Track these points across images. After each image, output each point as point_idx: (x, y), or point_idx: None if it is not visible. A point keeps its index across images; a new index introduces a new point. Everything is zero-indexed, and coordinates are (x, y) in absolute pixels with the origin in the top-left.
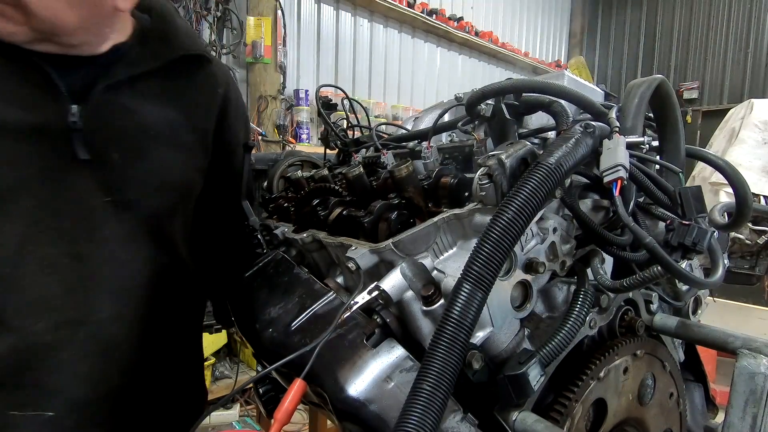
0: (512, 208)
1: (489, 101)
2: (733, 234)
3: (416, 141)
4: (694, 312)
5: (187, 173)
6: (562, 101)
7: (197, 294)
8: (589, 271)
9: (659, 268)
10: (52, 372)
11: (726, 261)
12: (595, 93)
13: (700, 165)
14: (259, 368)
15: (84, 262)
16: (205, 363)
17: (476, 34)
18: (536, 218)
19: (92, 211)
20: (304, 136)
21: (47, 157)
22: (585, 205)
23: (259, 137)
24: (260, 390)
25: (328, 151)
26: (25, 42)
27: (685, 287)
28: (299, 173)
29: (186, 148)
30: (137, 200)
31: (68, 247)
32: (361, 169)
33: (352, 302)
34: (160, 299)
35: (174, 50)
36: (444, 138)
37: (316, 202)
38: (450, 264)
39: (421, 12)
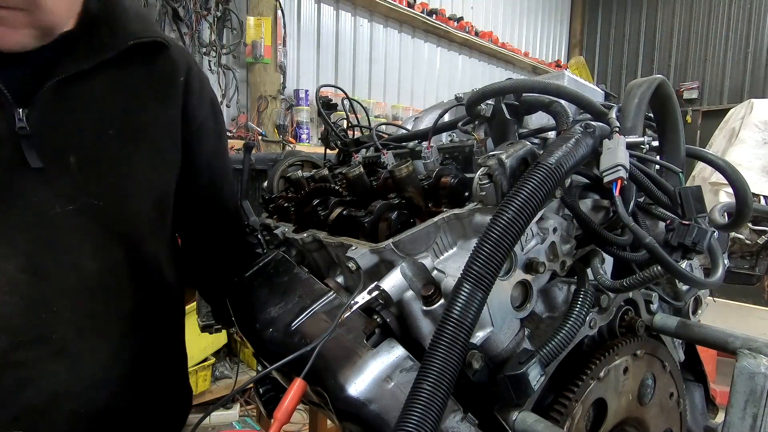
0: (512, 208)
1: (489, 101)
2: (733, 234)
3: (416, 141)
4: (694, 312)
5: (156, 172)
6: (562, 101)
7: (176, 298)
8: (589, 271)
9: (659, 268)
10: (21, 390)
11: (726, 261)
12: (595, 93)
13: (700, 165)
14: (259, 368)
15: (44, 277)
16: (205, 363)
17: (476, 34)
18: (536, 218)
19: (51, 222)
20: (304, 136)
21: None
22: (585, 205)
23: (259, 137)
24: (260, 390)
25: (328, 151)
26: (30, 47)
27: (685, 287)
28: (299, 173)
29: (151, 145)
30: (103, 206)
31: (26, 262)
32: (361, 169)
33: (352, 302)
34: (135, 309)
35: (124, 38)
36: (444, 138)
37: (316, 202)
38: (450, 264)
39: (421, 12)
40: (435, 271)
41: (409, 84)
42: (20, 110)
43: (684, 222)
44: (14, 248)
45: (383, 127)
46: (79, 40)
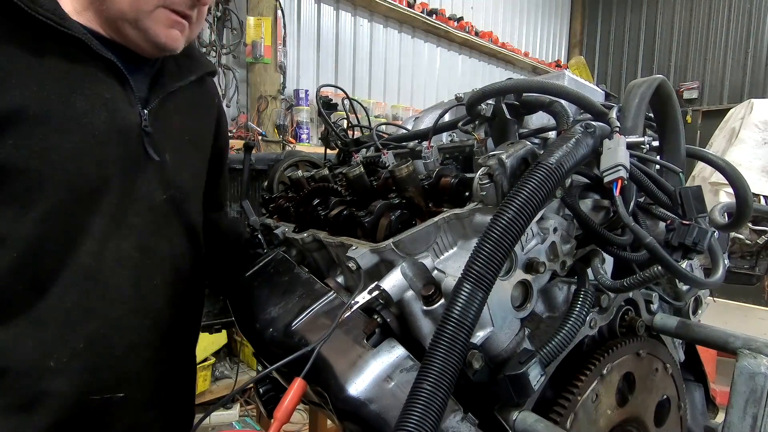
0: (513, 208)
1: (489, 101)
2: (733, 234)
3: (416, 141)
4: (695, 312)
5: (204, 175)
6: (563, 101)
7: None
8: (589, 271)
9: (659, 268)
10: (124, 355)
11: (726, 261)
12: (595, 93)
13: (700, 165)
14: (259, 368)
15: (149, 255)
16: (205, 363)
17: (476, 34)
18: (537, 218)
19: (156, 208)
20: (304, 136)
21: (125, 157)
22: (585, 205)
23: (259, 137)
24: (260, 390)
25: (328, 151)
26: (171, 53)
27: (685, 287)
28: (299, 173)
29: (204, 153)
30: (185, 198)
31: (137, 241)
32: (362, 169)
33: (353, 302)
34: (196, 291)
35: (200, 67)
36: (444, 138)
37: (316, 201)
38: (450, 264)
39: (421, 12)
40: (435, 271)
41: (409, 84)
42: (145, 111)
43: (684, 222)
44: (130, 229)
45: (383, 127)
46: (168, 64)
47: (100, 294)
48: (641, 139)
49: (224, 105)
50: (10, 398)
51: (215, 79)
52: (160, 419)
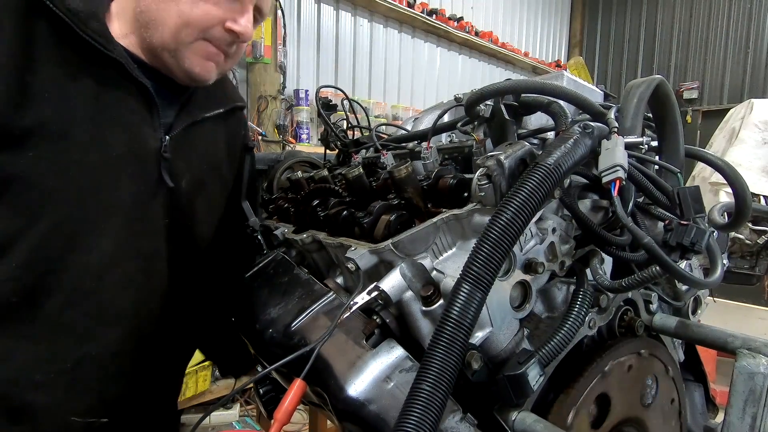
0: (511, 209)
1: (488, 102)
2: (733, 234)
3: (416, 141)
4: (694, 312)
5: (224, 205)
6: (561, 102)
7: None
8: (588, 271)
9: (658, 268)
10: (112, 382)
11: (725, 261)
12: (594, 93)
13: (700, 165)
14: (259, 368)
15: (152, 278)
16: (205, 363)
17: (476, 34)
18: (535, 218)
19: (160, 232)
20: (304, 136)
21: (139, 181)
22: (584, 205)
23: (259, 137)
24: (260, 390)
25: (328, 151)
26: (203, 84)
27: (684, 287)
28: (299, 174)
29: (224, 183)
30: (193, 225)
31: (143, 264)
32: (361, 170)
33: (352, 303)
34: (190, 320)
35: (230, 100)
36: (444, 138)
37: (316, 202)
38: (449, 264)
39: (421, 12)
40: (434, 272)
41: (409, 84)
42: (166, 137)
43: (682, 222)
44: (138, 252)
45: (383, 127)
46: (199, 94)
47: (98, 315)
48: (640, 139)
49: None
50: None
51: None
52: None
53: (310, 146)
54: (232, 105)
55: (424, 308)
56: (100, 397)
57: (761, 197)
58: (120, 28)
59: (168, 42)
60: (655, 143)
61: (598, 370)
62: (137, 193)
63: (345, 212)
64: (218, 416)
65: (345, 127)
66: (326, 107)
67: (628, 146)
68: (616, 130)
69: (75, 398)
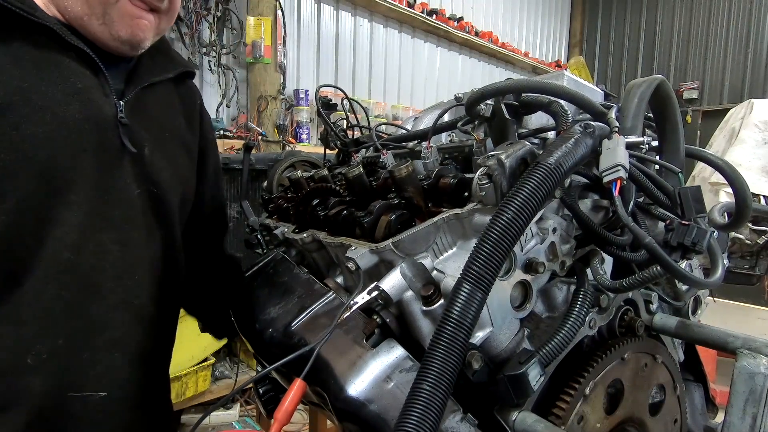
0: (512, 208)
1: (488, 101)
2: (733, 234)
3: (416, 141)
4: (694, 312)
5: (190, 171)
6: (562, 101)
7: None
8: (588, 271)
9: (659, 268)
10: (106, 352)
11: (726, 261)
12: (594, 93)
13: (700, 165)
14: (259, 368)
15: (129, 247)
16: (205, 363)
17: (476, 34)
18: (536, 218)
19: (132, 202)
20: (304, 136)
21: (100, 148)
22: (585, 205)
23: (259, 137)
24: (260, 390)
25: (328, 151)
26: (138, 48)
27: (684, 287)
28: (299, 173)
29: (188, 150)
30: (163, 194)
31: (117, 234)
32: (361, 169)
33: (352, 302)
34: (176, 288)
35: (177, 65)
36: (444, 138)
37: (315, 202)
38: (450, 264)
39: (421, 12)
40: (435, 271)
41: (409, 84)
42: (120, 102)
43: (683, 222)
44: (109, 222)
45: (383, 127)
46: (144, 60)
47: (79, 288)
48: (640, 139)
49: (224, 105)
50: None
51: (216, 78)
52: (143, 421)
53: (310, 146)
54: (181, 69)
55: (424, 308)
56: (95, 371)
57: (761, 197)
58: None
59: (94, 3)
60: (655, 143)
61: (618, 355)
62: (101, 162)
63: (345, 212)
64: (218, 416)
65: (345, 126)
66: (326, 106)
67: (629, 146)
68: (617, 129)
69: (71, 375)
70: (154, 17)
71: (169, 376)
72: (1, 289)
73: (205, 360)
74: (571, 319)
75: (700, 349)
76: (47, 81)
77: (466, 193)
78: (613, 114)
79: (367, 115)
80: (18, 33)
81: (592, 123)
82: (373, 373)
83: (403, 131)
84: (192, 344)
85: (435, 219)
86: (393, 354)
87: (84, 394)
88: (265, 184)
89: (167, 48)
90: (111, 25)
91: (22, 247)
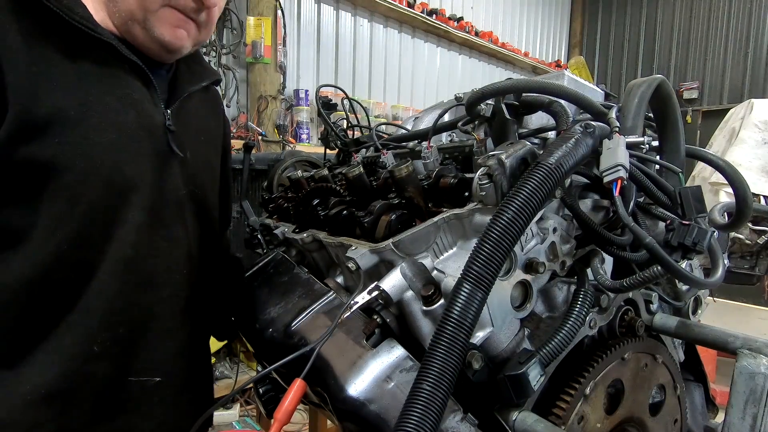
0: (512, 208)
1: (489, 101)
2: (733, 234)
3: (416, 141)
4: (694, 312)
5: (220, 172)
6: (562, 101)
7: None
8: (589, 271)
9: (659, 268)
10: (160, 340)
11: (726, 261)
12: (595, 93)
13: (700, 165)
14: (259, 368)
15: (177, 244)
16: None
17: (476, 34)
18: (536, 218)
19: (180, 200)
20: (304, 136)
21: (154, 153)
22: (585, 205)
23: (259, 137)
24: (260, 390)
25: (328, 151)
26: (177, 54)
27: (685, 287)
28: (299, 173)
29: (217, 153)
30: (204, 193)
31: (167, 232)
32: (361, 169)
33: (352, 302)
34: (214, 280)
35: (209, 75)
36: (444, 138)
37: (316, 201)
38: (450, 264)
39: (421, 12)
40: (435, 271)
41: (409, 84)
42: (167, 110)
43: (684, 222)
44: (161, 221)
45: (383, 127)
46: (182, 69)
47: (137, 282)
48: (641, 139)
49: (224, 105)
50: (57, 383)
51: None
52: (193, 403)
53: (310, 146)
54: (212, 79)
55: (424, 308)
56: (150, 357)
57: (761, 197)
58: (92, 6)
59: (135, 11)
60: (656, 143)
61: (618, 355)
62: (155, 166)
63: (345, 212)
64: (218, 416)
65: (345, 126)
66: (326, 106)
67: (630, 146)
68: (617, 129)
69: (131, 360)
70: (192, 27)
71: (211, 364)
72: (74, 284)
73: None
74: (572, 319)
75: (700, 349)
76: (109, 93)
77: (467, 193)
78: (613, 114)
79: (367, 115)
80: (81, 48)
81: (593, 123)
82: (374, 373)
83: (403, 131)
84: None
85: (435, 219)
86: (393, 354)
87: (142, 378)
88: (265, 184)
89: (200, 57)
90: (152, 30)
91: (92, 246)
